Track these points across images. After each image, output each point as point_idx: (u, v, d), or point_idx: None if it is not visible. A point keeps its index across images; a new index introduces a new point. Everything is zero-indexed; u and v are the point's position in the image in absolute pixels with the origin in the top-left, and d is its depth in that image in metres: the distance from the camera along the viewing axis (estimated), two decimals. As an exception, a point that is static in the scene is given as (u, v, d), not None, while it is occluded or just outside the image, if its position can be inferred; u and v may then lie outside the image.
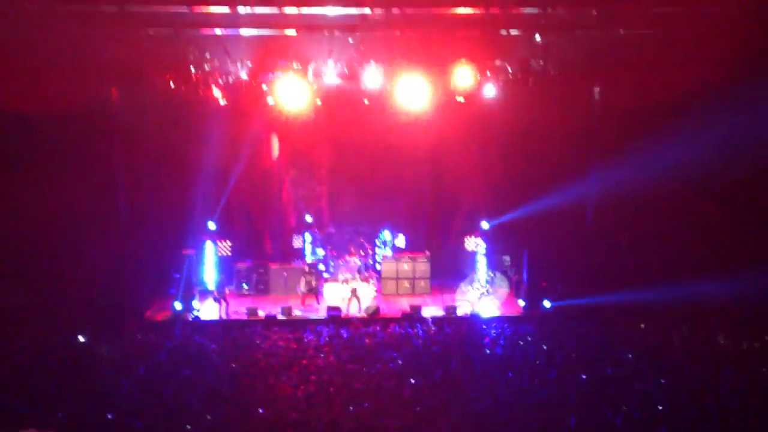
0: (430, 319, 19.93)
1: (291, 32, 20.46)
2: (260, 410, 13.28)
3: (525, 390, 14.28)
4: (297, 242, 24.88)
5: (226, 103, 21.60)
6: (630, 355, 16.19)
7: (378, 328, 19.25)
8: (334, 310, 20.74)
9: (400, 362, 16.04)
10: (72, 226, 19.67)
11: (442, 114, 22.05)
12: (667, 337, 17.50)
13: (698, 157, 18.85)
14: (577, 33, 20.30)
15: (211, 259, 23.35)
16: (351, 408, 13.34)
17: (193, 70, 20.80)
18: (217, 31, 20.42)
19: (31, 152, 19.29)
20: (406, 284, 23.36)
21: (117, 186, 21.45)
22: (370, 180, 24.50)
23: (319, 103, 21.69)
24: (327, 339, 18.17)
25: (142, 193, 21.68)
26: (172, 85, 20.88)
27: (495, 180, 23.27)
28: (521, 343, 17.68)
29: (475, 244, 24.37)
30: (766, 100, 18.20)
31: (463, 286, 22.59)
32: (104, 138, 20.62)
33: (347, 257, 23.71)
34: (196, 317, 20.68)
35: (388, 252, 24.41)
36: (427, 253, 23.62)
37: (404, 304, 21.58)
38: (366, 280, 22.59)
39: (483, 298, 21.81)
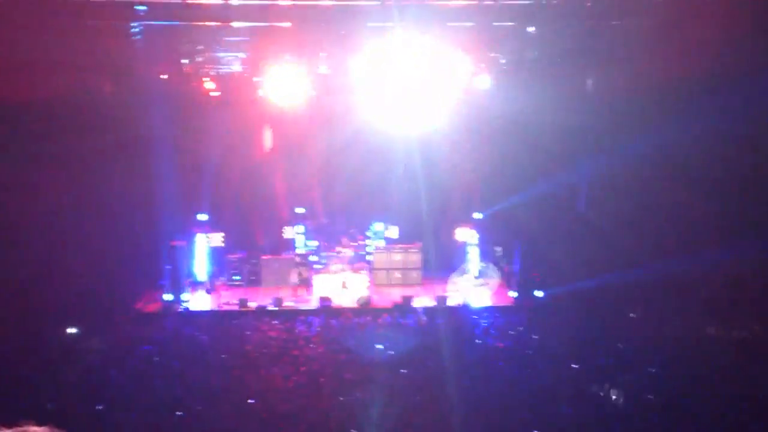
0: (422, 310, 19.96)
1: (285, 24, 20.38)
2: (251, 401, 13.27)
3: (516, 380, 14.31)
4: (289, 233, 24.83)
5: (218, 95, 21.54)
6: (620, 345, 16.22)
7: (369, 318, 19.28)
8: (325, 301, 20.75)
9: (391, 352, 16.05)
10: (61, 218, 19.59)
11: (434, 105, 22.00)
12: (657, 327, 17.52)
13: (691, 148, 18.86)
14: (570, 24, 20.26)
15: (202, 251, 23.30)
16: (342, 398, 13.35)
17: (185, 62, 20.76)
18: (210, 23, 20.34)
19: (20, 144, 19.17)
20: (398, 275, 23.38)
21: (107, 178, 21.36)
22: (363, 171, 24.45)
23: (311, 94, 21.63)
24: (318, 330, 18.18)
25: (133, 184, 21.58)
26: (164, 76, 20.83)
27: (487, 171, 23.26)
28: (512, 333, 17.71)
29: (466, 235, 24.37)
30: (760, 90, 18.20)
31: (455, 277, 22.60)
32: (95, 130, 20.51)
33: (339, 248, 23.70)
34: (187, 309, 20.66)
35: (380, 243, 24.40)
36: (419, 243, 23.62)
37: (396, 294, 21.60)
38: (357, 270, 22.59)
39: (474, 288, 21.81)
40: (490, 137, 23.09)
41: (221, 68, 21.17)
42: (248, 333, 17.96)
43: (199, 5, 19.83)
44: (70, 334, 17.49)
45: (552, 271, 20.96)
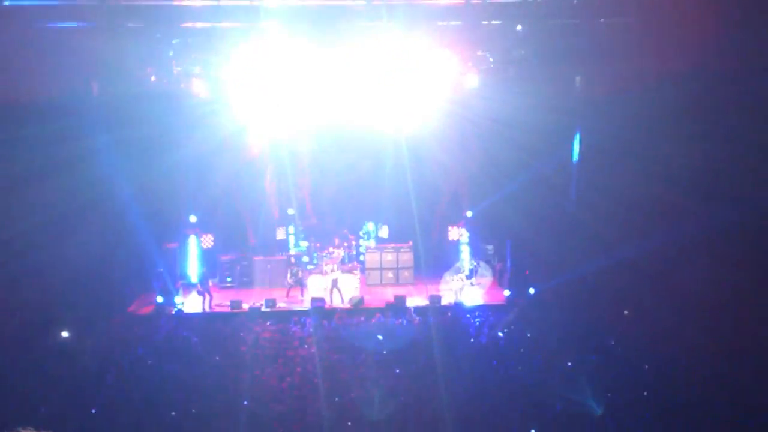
0: (414, 309, 19.99)
1: (273, 25, 20.38)
2: (245, 402, 13.29)
3: (510, 377, 14.37)
4: (280, 234, 24.83)
5: (207, 96, 21.52)
6: (613, 342, 16.31)
7: (362, 318, 19.30)
8: (318, 301, 20.75)
9: (384, 352, 16.08)
10: (54, 221, 19.52)
11: (424, 104, 22.08)
12: (650, 324, 17.60)
13: (679, 144, 18.95)
14: (558, 22, 20.34)
15: (194, 253, 23.29)
16: (336, 399, 13.38)
17: (174, 63, 20.76)
18: (199, 25, 20.33)
19: (11, 146, 19.10)
20: (390, 274, 23.41)
21: (99, 180, 21.30)
22: (353, 171, 24.47)
23: (301, 94, 21.64)
24: (311, 330, 18.19)
25: (125, 187, 21.54)
26: (153, 78, 20.81)
27: (477, 170, 23.32)
28: (505, 331, 17.76)
29: (458, 233, 24.45)
30: (749, 88, 18.30)
31: (447, 276, 22.63)
32: (85, 132, 20.46)
33: (331, 248, 23.71)
34: (180, 310, 20.62)
35: (372, 243, 24.43)
36: (411, 243, 23.67)
37: (388, 294, 21.62)
38: (350, 270, 22.62)
39: (466, 287, 21.87)
40: (479, 136, 23.14)
41: (210, 70, 21.14)
42: (242, 334, 17.94)
43: (188, 6, 19.86)
44: (64, 337, 17.44)
45: (543, 268, 21.03)
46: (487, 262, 23.14)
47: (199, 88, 21.45)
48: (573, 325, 17.72)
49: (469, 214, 23.69)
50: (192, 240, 23.24)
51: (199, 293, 21.04)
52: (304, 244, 24.34)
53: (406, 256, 23.47)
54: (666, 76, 19.04)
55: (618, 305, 18.89)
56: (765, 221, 17.43)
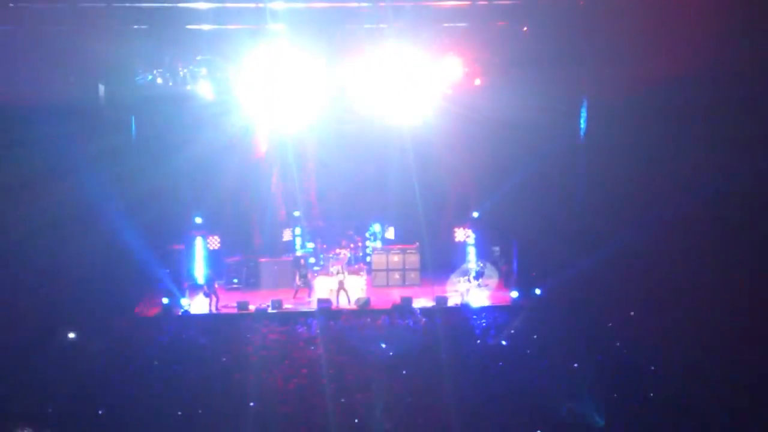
0: (420, 311, 19.98)
1: (279, 27, 20.40)
2: (251, 403, 13.28)
3: (516, 379, 14.33)
4: (287, 236, 24.84)
5: (213, 98, 21.58)
6: (619, 344, 16.25)
7: (369, 319, 19.28)
8: (324, 303, 20.75)
9: (390, 353, 16.07)
10: (60, 223, 19.56)
11: (430, 105, 22.07)
12: (656, 325, 17.53)
13: (686, 147, 18.89)
14: (564, 23, 20.29)
15: (200, 254, 23.31)
16: (343, 400, 13.36)
17: (180, 65, 20.82)
18: (204, 27, 20.37)
19: (18, 148, 19.16)
20: (397, 276, 23.40)
21: (105, 181, 21.34)
22: (359, 173, 24.47)
23: (307, 96, 21.66)
24: (318, 331, 18.19)
25: (131, 188, 21.58)
26: (159, 80, 20.87)
27: (483, 171, 23.27)
28: (512, 332, 17.73)
29: (464, 235, 24.42)
30: (750, 89, 18.24)
31: (453, 277, 22.62)
32: (92, 134, 20.51)
33: (337, 250, 23.71)
34: (186, 312, 20.64)
35: (378, 244, 24.42)
36: (417, 244, 23.65)
37: (395, 295, 21.59)
38: (356, 272, 22.61)
39: (473, 288, 21.84)
40: (485, 137, 23.08)
41: (216, 71, 21.21)
42: (248, 335, 17.96)
43: (194, 8, 19.90)
44: (71, 338, 17.47)
45: (549, 269, 20.97)
46: (494, 263, 23.10)
47: (205, 90, 21.51)
48: (579, 326, 17.67)
49: (475, 215, 23.68)
50: (198, 242, 23.26)
51: (206, 295, 21.05)
52: (310, 245, 24.33)
53: (413, 258, 23.45)
54: (673, 77, 18.99)
55: (624, 307, 18.81)
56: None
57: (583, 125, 21.87)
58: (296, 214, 24.66)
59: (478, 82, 21.45)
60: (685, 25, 18.35)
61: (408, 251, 23.50)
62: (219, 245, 24.15)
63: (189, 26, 20.26)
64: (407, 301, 20.59)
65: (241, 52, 20.80)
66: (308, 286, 21.99)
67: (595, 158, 21.10)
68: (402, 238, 24.47)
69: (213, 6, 19.72)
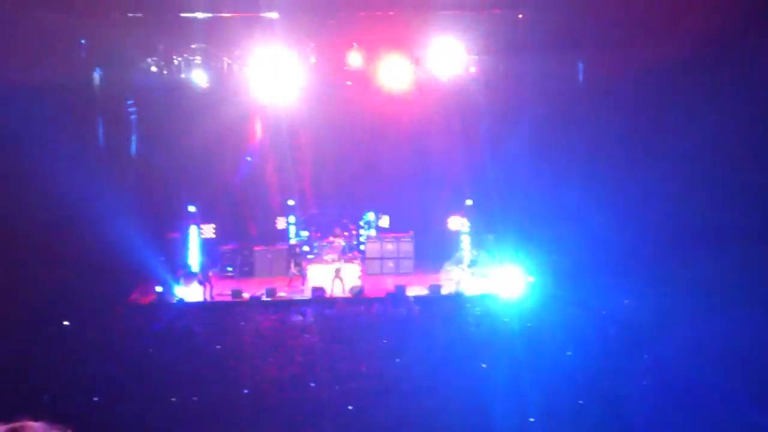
0: (415, 299, 20.02)
1: (273, 15, 20.36)
2: (246, 391, 13.33)
3: (510, 367, 14.38)
4: (281, 224, 24.84)
5: (208, 86, 21.54)
6: (613, 331, 16.31)
7: (362, 308, 19.34)
8: (318, 291, 20.77)
9: (385, 342, 16.12)
10: (55, 210, 19.53)
11: (424, 93, 22.06)
12: (651, 312, 17.58)
13: (686, 135, 18.90)
14: (560, 10, 20.27)
15: (195, 242, 23.29)
16: (337, 387, 13.42)
17: (175, 54, 20.79)
18: (199, 15, 20.32)
19: (11, 136, 19.09)
20: (390, 264, 23.42)
21: (100, 169, 21.32)
22: (354, 161, 24.48)
23: (301, 85, 21.66)
24: (312, 320, 18.25)
25: (126, 176, 21.57)
26: (154, 68, 20.83)
27: (478, 159, 23.28)
28: (506, 320, 17.79)
29: (458, 223, 24.42)
30: (746, 75, 18.26)
31: (447, 266, 22.64)
32: (86, 122, 20.48)
33: (331, 238, 23.71)
34: (181, 300, 20.66)
35: (372, 232, 24.43)
36: (411, 232, 23.67)
37: (389, 284, 21.63)
38: (350, 260, 22.63)
39: (467, 277, 21.88)
40: (480, 124, 23.12)
41: (211, 60, 21.18)
42: (242, 324, 18.01)
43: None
44: (65, 326, 17.47)
45: (544, 258, 21.01)
46: (488, 251, 23.11)
47: (199, 78, 21.47)
48: (573, 314, 17.72)
49: (469, 203, 23.64)
50: (193, 230, 23.23)
51: (200, 283, 21.06)
52: (304, 233, 24.32)
53: (407, 246, 23.48)
54: (671, 64, 18.97)
55: (618, 294, 18.87)
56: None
57: (579, 112, 21.84)
58: (290, 203, 24.62)
59: (473, 69, 21.41)
60: (687, 10, 18.33)
61: (402, 239, 23.53)
62: (213, 234, 24.14)
63: (183, 14, 20.19)
64: (401, 290, 20.63)
65: (236, 40, 20.77)
66: (302, 274, 22.01)
67: (592, 146, 21.09)
68: (396, 227, 24.47)
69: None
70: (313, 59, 21.42)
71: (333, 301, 20.22)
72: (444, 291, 20.93)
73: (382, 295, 20.75)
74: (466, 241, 23.54)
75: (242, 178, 24.39)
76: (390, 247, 23.49)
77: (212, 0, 19.83)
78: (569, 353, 14.96)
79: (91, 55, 20.12)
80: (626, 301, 18.73)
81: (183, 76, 21.33)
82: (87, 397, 12.88)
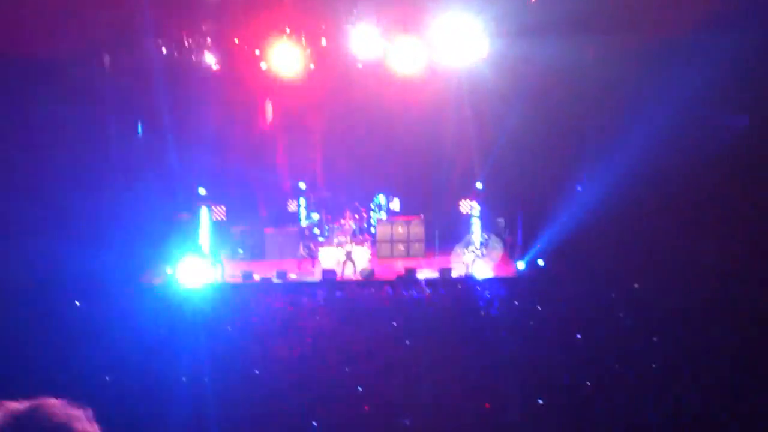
0: (425, 282, 20.05)
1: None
2: (256, 371, 13.39)
3: (519, 350, 14.40)
4: (291, 206, 24.88)
5: (219, 68, 21.53)
6: (622, 315, 16.30)
7: (373, 290, 19.37)
8: (329, 274, 20.83)
9: (395, 324, 16.15)
10: (65, 190, 19.62)
11: (437, 76, 21.99)
12: (660, 297, 17.56)
13: (699, 118, 18.78)
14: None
15: (206, 224, 23.36)
16: (347, 369, 13.46)
17: (185, 34, 20.76)
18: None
19: (19, 115, 19.18)
20: (401, 247, 23.44)
21: (111, 151, 21.39)
22: (365, 144, 24.46)
23: (312, 67, 21.62)
24: (322, 302, 18.29)
25: (137, 157, 21.63)
26: (164, 50, 20.82)
27: (489, 141, 23.21)
28: (516, 303, 17.80)
29: (469, 206, 24.40)
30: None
31: (458, 249, 22.64)
32: (97, 103, 20.52)
33: (342, 221, 23.74)
34: (191, 281, 20.73)
35: (383, 215, 24.44)
36: (422, 216, 23.67)
37: (399, 266, 21.67)
38: (361, 243, 22.67)
39: (477, 260, 21.88)
40: (491, 106, 22.99)
41: (222, 42, 21.15)
42: (252, 305, 18.06)
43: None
44: (78, 306, 17.58)
45: (554, 241, 20.99)
46: (498, 234, 23.10)
47: (210, 59, 21.44)
48: (583, 297, 17.73)
49: (479, 186, 23.60)
50: (204, 211, 23.30)
51: (211, 264, 21.14)
52: (315, 216, 24.37)
53: (418, 229, 23.49)
54: (687, 45, 18.78)
55: (628, 279, 18.85)
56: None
57: (592, 94, 21.65)
58: (302, 185, 24.65)
59: (483, 49, 21.27)
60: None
61: (413, 223, 23.53)
62: (224, 215, 24.21)
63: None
64: (411, 273, 20.66)
65: (246, 21, 20.72)
66: (313, 256, 22.06)
67: (602, 127, 20.97)
68: (407, 210, 24.47)
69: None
70: (324, 41, 21.36)
71: (343, 284, 20.27)
72: (454, 274, 20.95)
73: (393, 278, 20.78)
74: (476, 225, 23.52)
75: (253, 161, 24.41)
76: (400, 230, 23.51)
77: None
78: (578, 336, 14.95)
79: (99, 36, 20.09)
80: (636, 285, 18.70)
81: (193, 57, 21.32)
82: (99, 375, 12.97)
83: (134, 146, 21.57)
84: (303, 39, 21.17)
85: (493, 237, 22.93)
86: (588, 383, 12.72)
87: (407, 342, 14.92)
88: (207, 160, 23.00)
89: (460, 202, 24.75)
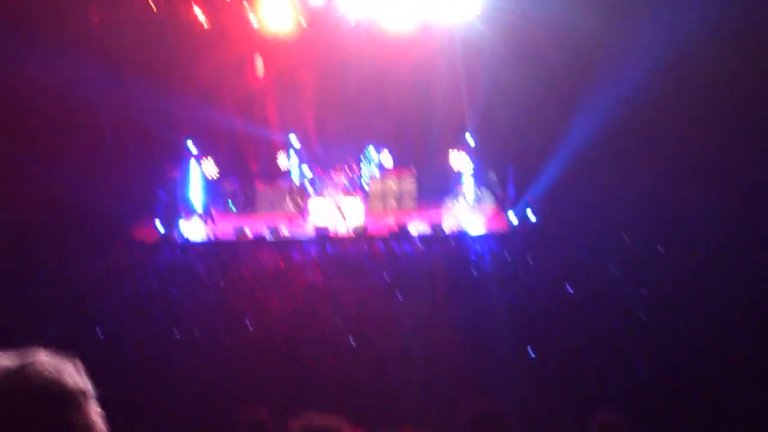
0: (417, 237, 20.03)
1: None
2: (248, 323, 13.44)
3: (511, 303, 14.46)
4: (282, 161, 24.75)
5: (208, 23, 21.26)
6: (611, 266, 16.33)
7: (365, 246, 19.36)
8: (321, 229, 20.79)
9: (387, 279, 16.17)
10: (55, 146, 19.46)
11: (428, 32, 21.77)
12: (650, 249, 17.59)
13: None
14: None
15: (197, 179, 23.24)
16: (338, 321, 13.51)
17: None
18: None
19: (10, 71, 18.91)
20: (393, 202, 23.38)
21: (100, 107, 21.15)
22: (356, 99, 24.27)
23: (303, 23, 21.38)
24: (314, 257, 18.29)
25: (127, 113, 21.40)
26: (153, 5, 20.55)
27: (481, 96, 23.05)
28: (508, 258, 17.82)
29: (460, 159, 24.28)
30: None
31: (449, 203, 22.59)
32: (85, 60, 20.21)
33: (333, 175, 23.63)
34: (183, 237, 20.69)
35: (375, 170, 24.33)
36: (414, 170, 23.58)
37: (391, 221, 21.61)
38: (352, 197, 22.60)
39: (469, 214, 21.84)
40: (484, 62, 22.80)
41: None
42: (245, 261, 18.05)
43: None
44: (68, 261, 17.51)
45: (546, 195, 20.97)
46: (490, 189, 23.02)
47: (200, 15, 21.17)
48: (575, 252, 17.76)
49: (469, 138, 23.45)
50: (194, 166, 23.16)
51: (202, 219, 21.07)
52: (307, 170, 24.24)
53: (409, 184, 23.41)
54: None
55: (619, 233, 18.86)
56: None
57: (588, 51, 21.46)
58: (292, 139, 24.43)
59: (476, 8, 21.04)
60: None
61: (404, 177, 23.44)
62: (215, 171, 24.08)
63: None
64: (403, 228, 20.62)
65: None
66: (303, 209, 22.00)
67: (593, 83, 20.81)
68: (398, 164, 24.36)
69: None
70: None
71: (335, 239, 20.25)
72: (446, 229, 20.91)
73: (385, 233, 20.74)
74: (467, 178, 23.43)
75: (244, 114, 24.21)
76: (392, 185, 23.42)
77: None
78: (571, 291, 15.00)
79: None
80: (626, 239, 18.71)
81: (182, 13, 21.05)
82: (90, 329, 12.99)
83: (121, 101, 21.28)
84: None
85: (485, 191, 22.86)
86: (578, 335, 12.81)
87: (400, 297, 14.96)
88: (197, 115, 22.78)
89: (451, 155, 24.57)
